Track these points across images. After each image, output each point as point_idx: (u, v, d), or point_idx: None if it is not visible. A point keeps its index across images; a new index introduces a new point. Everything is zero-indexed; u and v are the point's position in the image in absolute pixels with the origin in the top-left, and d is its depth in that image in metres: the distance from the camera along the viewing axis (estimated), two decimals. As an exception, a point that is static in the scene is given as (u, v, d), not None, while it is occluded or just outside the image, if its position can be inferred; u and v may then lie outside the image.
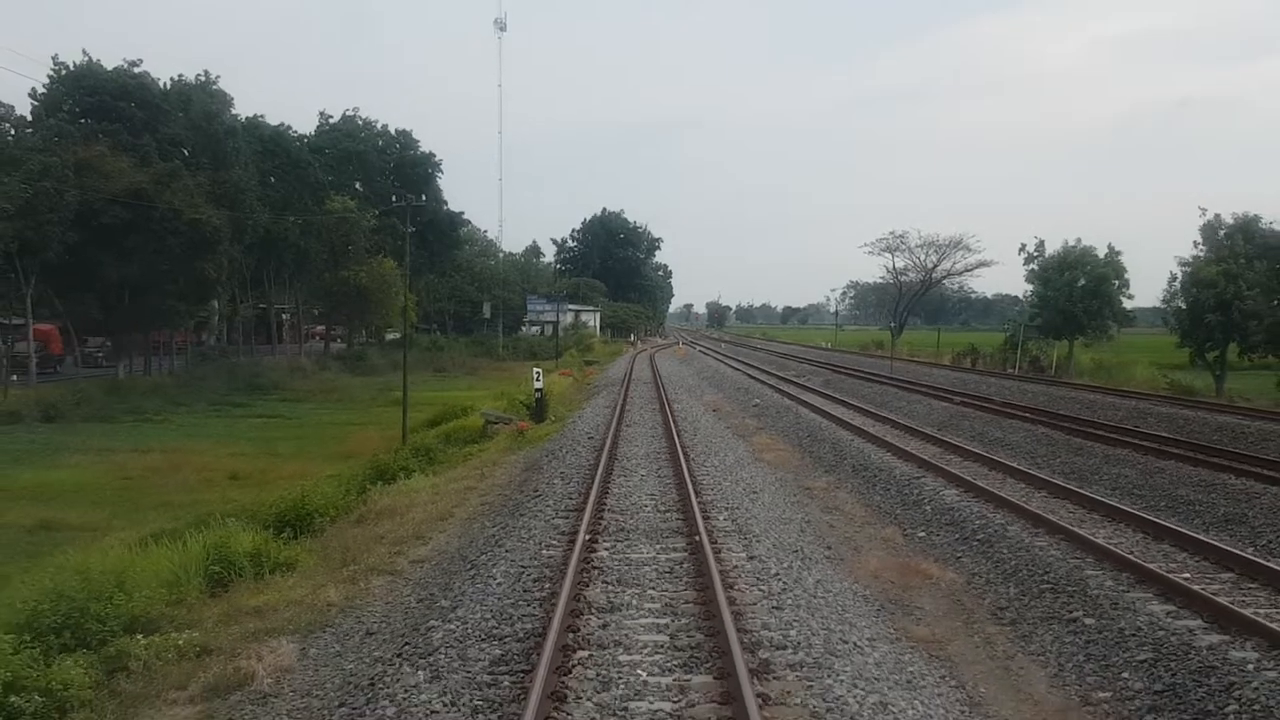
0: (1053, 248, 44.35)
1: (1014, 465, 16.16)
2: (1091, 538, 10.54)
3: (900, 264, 71.72)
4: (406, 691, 5.87)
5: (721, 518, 11.13)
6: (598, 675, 6.01)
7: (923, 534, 12.08)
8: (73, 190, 39.54)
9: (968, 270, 69.92)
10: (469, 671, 6.18)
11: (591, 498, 11.67)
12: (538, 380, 25.00)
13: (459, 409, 30.27)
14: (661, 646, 6.63)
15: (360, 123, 70.01)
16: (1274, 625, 7.52)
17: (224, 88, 52.47)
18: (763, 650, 6.57)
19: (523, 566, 8.86)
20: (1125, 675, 7.28)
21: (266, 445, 28.75)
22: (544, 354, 67.24)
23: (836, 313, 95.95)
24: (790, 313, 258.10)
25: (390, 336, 73.23)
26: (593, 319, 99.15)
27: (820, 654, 6.63)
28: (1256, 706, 6.36)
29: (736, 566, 8.86)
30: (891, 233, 72.83)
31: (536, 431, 21.57)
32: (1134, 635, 7.79)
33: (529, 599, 7.75)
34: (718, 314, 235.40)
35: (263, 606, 9.68)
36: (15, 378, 39.22)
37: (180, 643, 8.64)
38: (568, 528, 10.36)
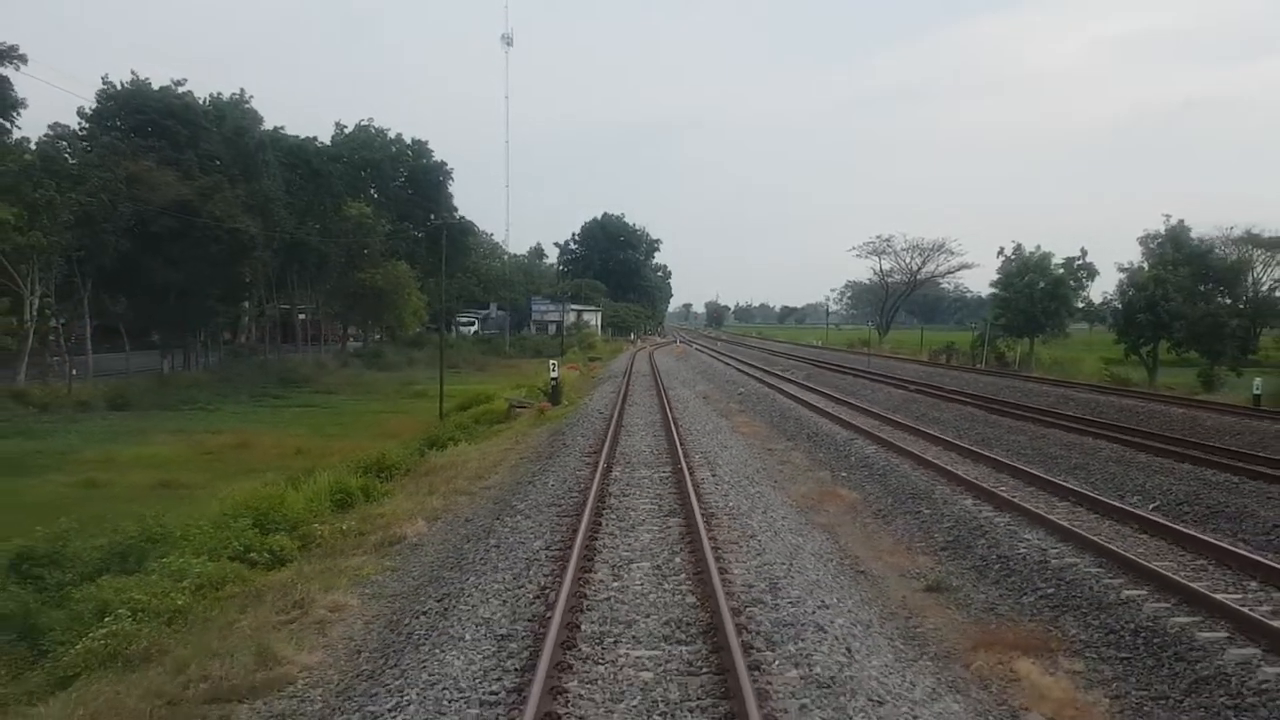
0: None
1: (931, 433, 21.05)
2: (952, 470, 15.44)
3: (887, 266, 76.38)
4: (513, 523, 10.81)
5: (697, 458, 16.03)
6: (617, 518, 10.92)
7: (844, 474, 16.95)
8: (125, 202, 44.46)
9: (950, 272, 74.85)
10: (545, 517, 11.10)
11: (606, 447, 16.56)
12: (554, 370, 29.88)
13: (482, 397, 35.13)
14: (652, 510, 11.54)
15: (374, 131, 74.90)
16: (1028, 506, 12.43)
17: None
18: (710, 511, 11.47)
19: (564, 479, 13.78)
20: (935, 535, 12.16)
21: (315, 429, 33.61)
22: (548, 352, 72.15)
23: (828, 312, 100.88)
24: (788, 312, 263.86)
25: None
26: (594, 318, 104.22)
27: (746, 514, 11.54)
28: (996, 540, 11.23)
29: (703, 480, 13.76)
30: (878, 236, 77.80)
31: (554, 412, 26.47)
32: (948, 516, 12.68)
33: (572, 491, 12.66)
34: (716, 314, 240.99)
35: (385, 513, 14.54)
36: (75, 372, 44.02)
37: (344, 528, 13.55)
38: (591, 462, 15.26)
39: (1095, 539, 10.69)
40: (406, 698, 5.87)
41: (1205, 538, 11.05)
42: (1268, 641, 7.42)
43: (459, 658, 6.49)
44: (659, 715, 5.53)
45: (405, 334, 72.72)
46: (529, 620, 7.29)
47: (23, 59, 41.05)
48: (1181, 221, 44.09)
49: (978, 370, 44.55)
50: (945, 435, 20.94)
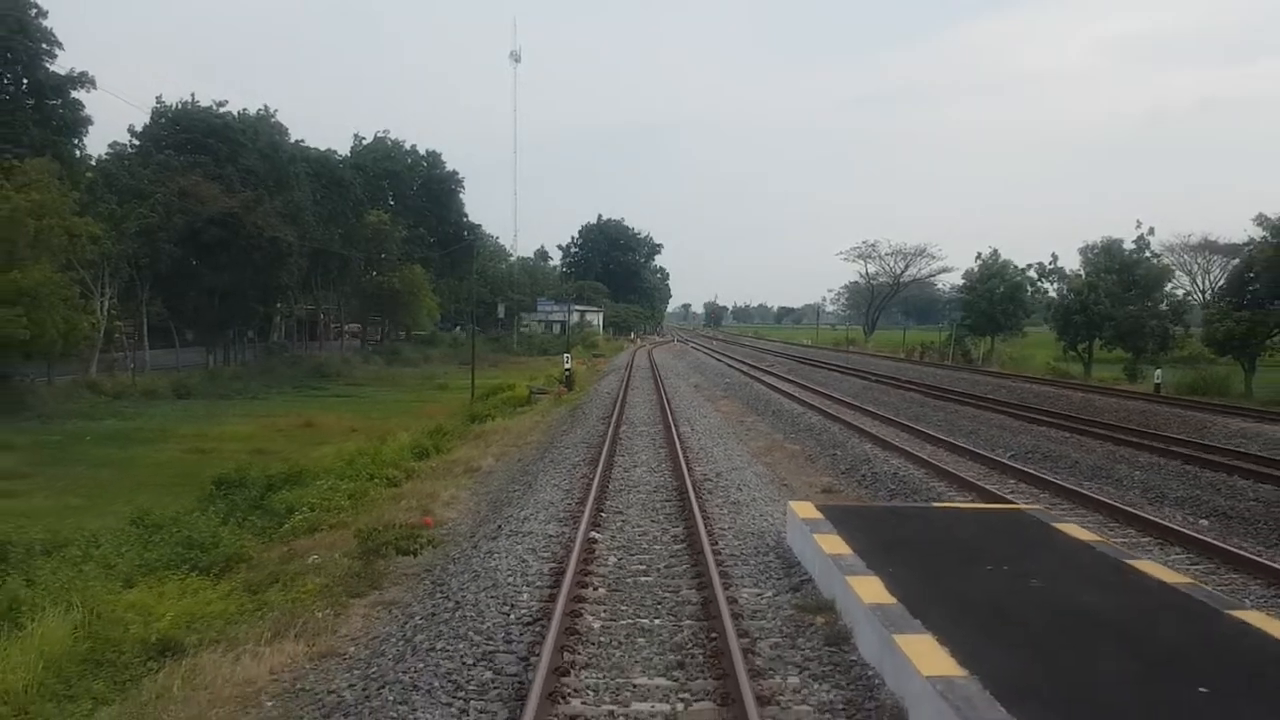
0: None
1: (870, 410, 27.19)
2: (868, 430, 21.59)
3: (872, 269, 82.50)
4: (557, 453, 17.02)
5: (683, 423, 22.21)
6: (625, 449, 17.13)
7: (793, 436, 23.10)
8: (179, 214, 50.62)
9: (931, 275, 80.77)
10: (578, 450, 17.31)
11: (614, 416, 22.73)
12: (567, 362, 36.07)
13: (504, 386, 41.26)
14: (648, 446, 17.74)
15: (390, 144, 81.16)
16: (906, 449, 18.58)
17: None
18: (687, 448, 17.66)
19: (587, 433, 19.98)
20: (840, 466, 18.30)
21: (361, 413, 39.69)
22: (554, 351, 78.36)
23: (818, 313, 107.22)
24: (785, 313, 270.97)
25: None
26: (596, 319, 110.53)
27: (710, 449, 17.73)
28: (875, 466, 17.37)
29: (685, 434, 19.95)
30: (864, 241, 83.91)
31: (570, 396, 32.65)
32: (852, 456, 18.83)
33: (594, 438, 18.85)
34: (714, 314, 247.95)
35: (458, 458, 20.68)
36: (134, 366, 50.16)
37: (434, 464, 19.69)
38: (605, 424, 21.44)
39: (934, 463, 16.84)
40: (524, 509, 12.04)
41: (1010, 464, 17.19)
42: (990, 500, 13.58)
43: (547, 496, 12.70)
44: (650, 511, 11.71)
45: (423, 333, 78.88)
46: (580, 488, 13.46)
47: (92, 82, 47.07)
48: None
49: (943, 365, 50.73)
50: (880, 412, 27.07)
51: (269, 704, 7.27)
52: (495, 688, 6.19)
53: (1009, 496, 13.99)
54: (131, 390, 45.49)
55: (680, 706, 5.95)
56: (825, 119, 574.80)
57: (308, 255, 64.26)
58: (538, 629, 7.23)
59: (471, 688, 6.18)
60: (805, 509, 9.93)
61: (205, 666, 8.11)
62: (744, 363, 56.29)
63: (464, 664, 6.58)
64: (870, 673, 6.32)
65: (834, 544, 8.35)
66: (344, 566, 10.93)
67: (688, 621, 7.55)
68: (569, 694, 6.07)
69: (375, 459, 20.67)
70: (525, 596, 8.12)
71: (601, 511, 11.57)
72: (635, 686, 6.23)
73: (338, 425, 35.00)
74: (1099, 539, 9.01)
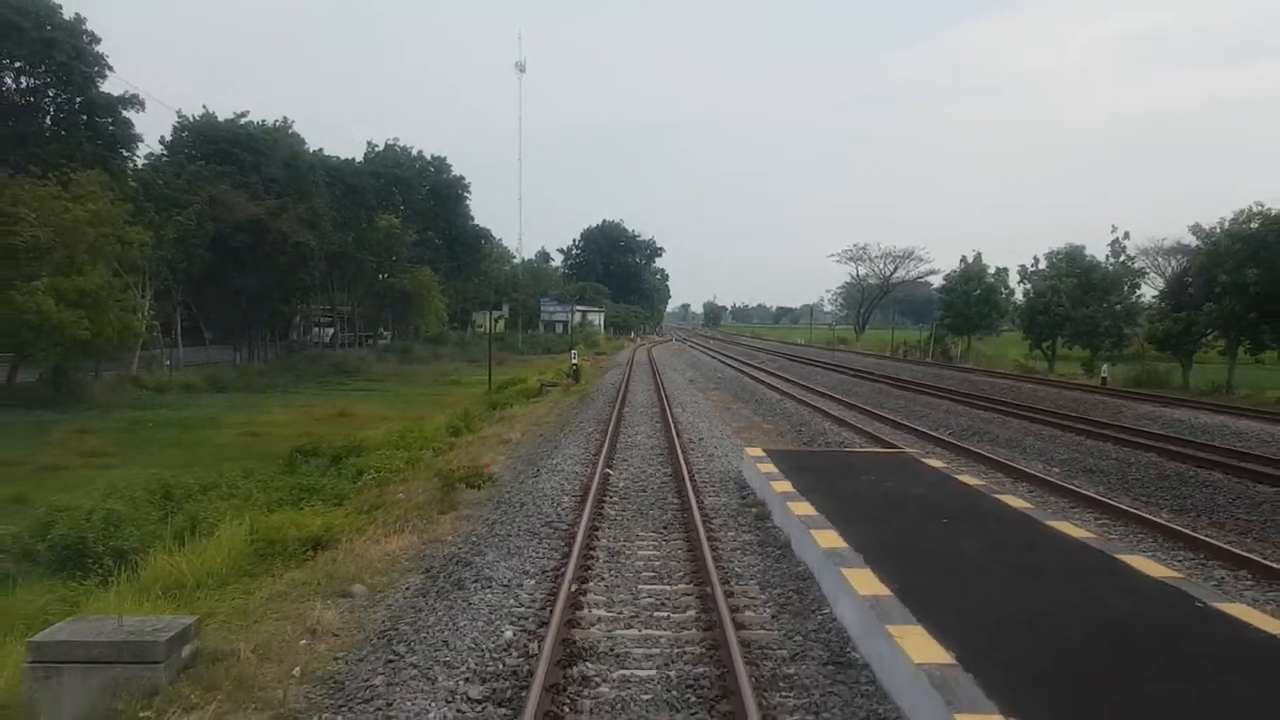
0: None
1: (839, 397, 31.69)
2: (830, 412, 26.09)
3: (863, 271, 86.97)
4: (575, 425, 21.59)
5: (677, 407, 26.74)
6: (629, 424, 21.68)
7: (770, 418, 27.60)
8: (209, 221, 55.10)
9: (920, 277, 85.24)
10: (590, 426, 21.87)
11: (619, 402, 27.24)
12: (574, 358, 40.57)
13: (514, 381, 45.76)
14: (646, 420, 22.28)
15: (399, 150, 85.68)
16: (856, 424, 23.09)
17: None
18: (678, 422, 22.19)
19: (597, 413, 24.51)
20: (804, 437, 22.81)
21: (387, 404, 44.13)
22: (557, 349, 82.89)
23: (812, 313, 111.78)
24: (783, 313, 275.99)
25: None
26: (598, 318, 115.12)
27: (696, 422, 22.28)
28: (828, 436, 21.89)
29: (678, 414, 24.48)
30: (855, 244, 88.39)
31: (578, 388, 37.15)
32: (812, 430, 23.34)
33: (602, 418, 23.38)
34: (713, 314, 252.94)
35: (490, 435, 25.15)
36: (169, 363, 54.63)
37: (469, 439, 24.19)
38: (611, 407, 25.95)
39: (878, 436, 21.33)
40: (554, 459, 16.56)
41: (938, 435, 21.68)
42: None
43: (570, 452, 17.24)
44: (648, 460, 16.25)
45: (428, 332, 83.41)
46: (594, 447, 17.99)
47: (141, 104, 51.56)
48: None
49: (921, 362, 55.24)
50: (849, 400, 31.59)
51: (405, 561, 11.75)
52: (556, 534, 10.73)
53: (923, 458, 18.44)
54: (170, 385, 49.93)
55: (664, 544, 10.46)
56: (825, 119, 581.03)
57: (325, 259, 68.80)
58: (576, 513, 11.76)
59: (542, 534, 10.73)
60: (754, 451, 14.47)
61: (356, 547, 12.58)
62: (737, 359, 60.83)
63: (535, 526, 11.13)
64: (777, 530, 10.83)
65: (769, 468, 12.86)
66: (427, 496, 15.40)
67: (671, 512, 12.08)
68: (600, 537, 10.60)
69: (419, 435, 25.15)
70: (566, 500, 12.66)
71: (612, 459, 16.09)
72: (639, 536, 10.76)
73: (370, 414, 39.45)
74: (947, 466, 13.53)
